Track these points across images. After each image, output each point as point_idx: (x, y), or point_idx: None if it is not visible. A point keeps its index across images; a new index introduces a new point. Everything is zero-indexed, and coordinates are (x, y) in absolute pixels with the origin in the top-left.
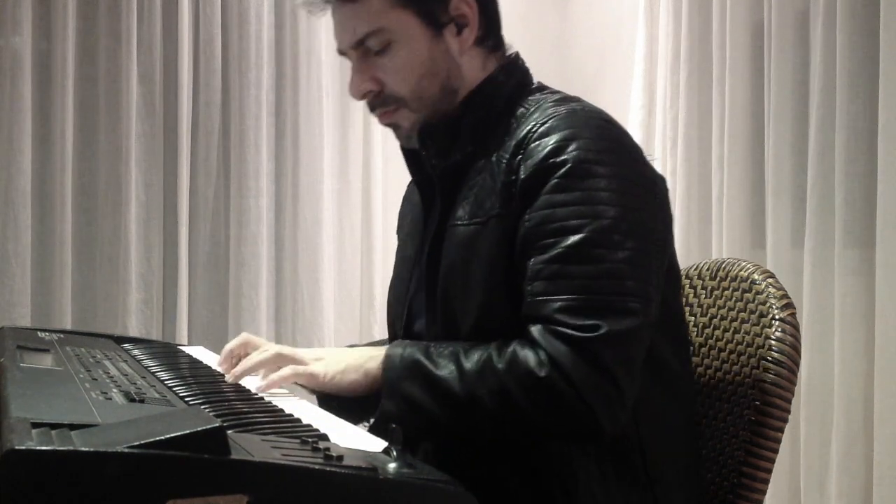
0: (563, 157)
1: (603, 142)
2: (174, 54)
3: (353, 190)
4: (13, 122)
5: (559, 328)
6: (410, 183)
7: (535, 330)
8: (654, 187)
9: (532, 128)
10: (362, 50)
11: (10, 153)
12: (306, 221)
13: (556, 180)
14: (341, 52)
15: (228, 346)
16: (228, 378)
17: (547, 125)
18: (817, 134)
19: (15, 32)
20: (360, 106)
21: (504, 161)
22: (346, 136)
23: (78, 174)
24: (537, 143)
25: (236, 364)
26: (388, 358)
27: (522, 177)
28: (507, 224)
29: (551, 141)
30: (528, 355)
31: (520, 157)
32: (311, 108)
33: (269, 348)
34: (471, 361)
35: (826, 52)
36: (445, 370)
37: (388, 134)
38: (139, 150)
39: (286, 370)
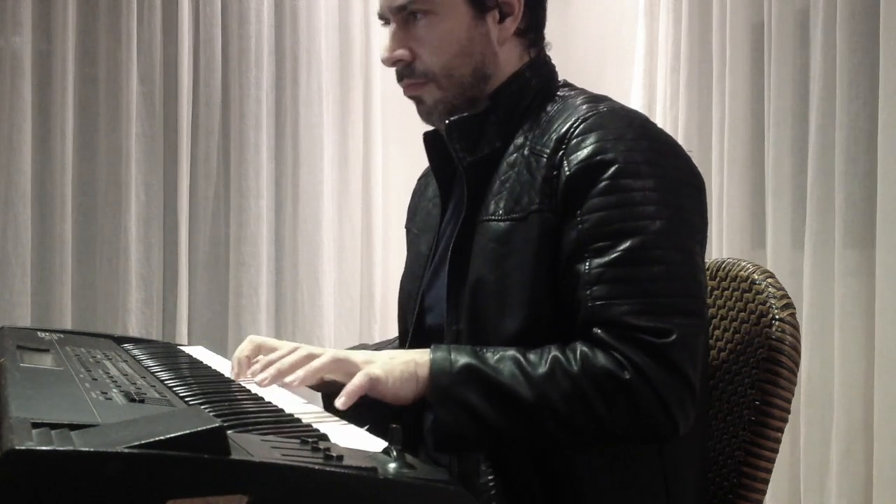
0: (610, 157)
1: (647, 141)
2: (174, 54)
3: (353, 190)
4: (13, 122)
5: (632, 332)
6: (422, 177)
7: (603, 333)
8: (697, 183)
9: (574, 123)
10: (403, 16)
11: (10, 153)
12: (306, 221)
13: (606, 182)
14: (381, 17)
15: (241, 354)
16: (290, 380)
17: (589, 122)
18: (817, 134)
19: (15, 32)
20: (360, 106)
21: (544, 156)
22: (346, 136)
23: (78, 174)
24: (580, 138)
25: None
26: (435, 363)
27: (567, 173)
28: (548, 220)
29: (595, 138)
30: (603, 357)
31: (561, 152)
32: (311, 108)
33: (308, 348)
34: (536, 365)
35: (826, 52)
36: (507, 375)
37: (388, 134)
38: (139, 151)
39: (362, 379)
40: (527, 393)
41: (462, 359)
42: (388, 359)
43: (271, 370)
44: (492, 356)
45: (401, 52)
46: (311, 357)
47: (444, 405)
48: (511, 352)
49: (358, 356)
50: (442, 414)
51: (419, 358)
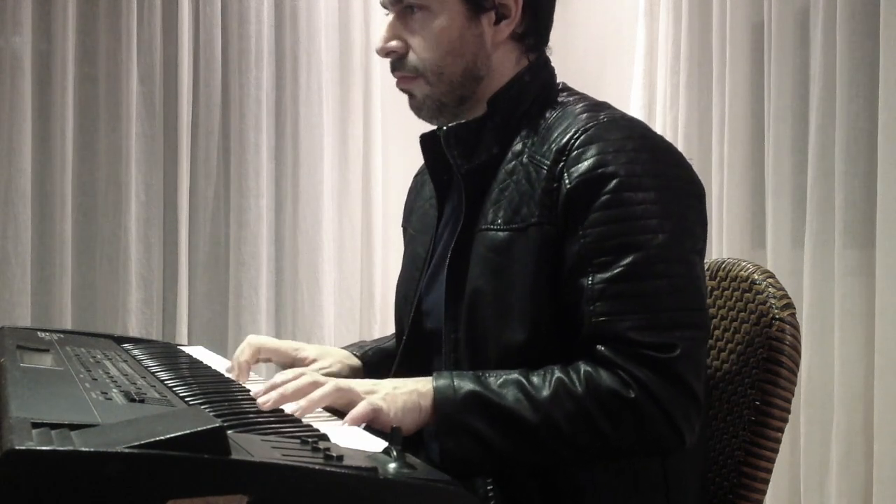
0: (611, 170)
1: (647, 152)
2: (174, 54)
3: (353, 190)
4: (13, 122)
5: (636, 349)
6: (418, 174)
7: (607, 350)
8: (698, 191)
9: (574, 134)
10: (401, 8)
11: (10, 153)
12: (306, 221)
13: (607, 195)
14: (383, 6)
15: (240, 357)
16: (291, 409)
17: (589, 133)
18: (817, 134)
19: (15, 32)
20: (360, 106)
21: (544, 167)
22: (346, 136)
23: (78, 174)
24: (581, 150)
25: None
26: (439, 392)
27: (568, 186)
28: (548, 233)
29: (596, 150)
30: (607, 377)
31: (562, 164)
32: (311, 108)
33: (312, 375)
34: (539, 388)
35: (826, 52)
36: (511, 399)
37: (388, 134)
38: (139, 151)
39: (365, 408)
40: (531, 417)
41: (466, 386)
42: (391, 388)
43: (274, 394)
44: (494, 381)
45: (394, 44)
46: (315, 385)
47: (449, 432)
48: (514, 375)
49: (360, 386)
50: (447, 441)
51: (422, 388)
